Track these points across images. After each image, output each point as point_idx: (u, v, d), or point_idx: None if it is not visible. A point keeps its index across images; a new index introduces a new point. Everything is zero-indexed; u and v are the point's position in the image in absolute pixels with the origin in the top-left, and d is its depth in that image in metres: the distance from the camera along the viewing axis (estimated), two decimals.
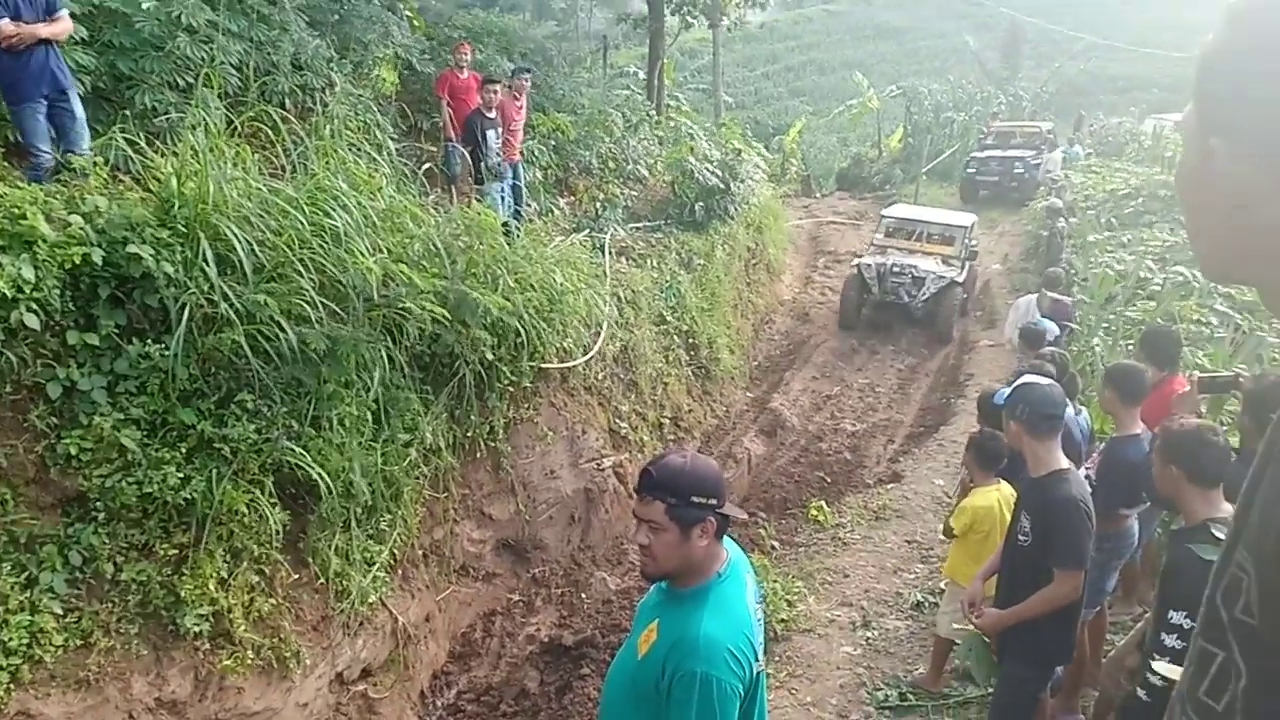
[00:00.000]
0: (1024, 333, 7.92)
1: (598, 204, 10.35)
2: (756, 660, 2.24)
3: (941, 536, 5.67)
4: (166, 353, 3.98)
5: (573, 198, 10.37)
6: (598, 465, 7.78)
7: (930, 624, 5.44)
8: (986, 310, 14.63)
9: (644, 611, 2.42)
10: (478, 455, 6.40)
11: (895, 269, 13.18)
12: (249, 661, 4.23)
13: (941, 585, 5.27)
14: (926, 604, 5.99)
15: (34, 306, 3.57)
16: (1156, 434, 3.43)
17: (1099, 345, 9.97)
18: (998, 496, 4.64)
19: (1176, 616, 2.83)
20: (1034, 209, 18.58)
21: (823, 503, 8.33)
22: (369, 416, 5.10)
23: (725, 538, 2.40)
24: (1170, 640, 2.82)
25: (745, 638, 2.20)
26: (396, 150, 6.73)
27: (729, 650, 2.13)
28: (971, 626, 4.15)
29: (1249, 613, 0.99)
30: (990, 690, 4.33)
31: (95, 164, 4.50)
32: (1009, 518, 4.56)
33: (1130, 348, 8.20)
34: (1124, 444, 4.30)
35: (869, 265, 13.42)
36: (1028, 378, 3.99)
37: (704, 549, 2.24)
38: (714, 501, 2.22)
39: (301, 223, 4.75)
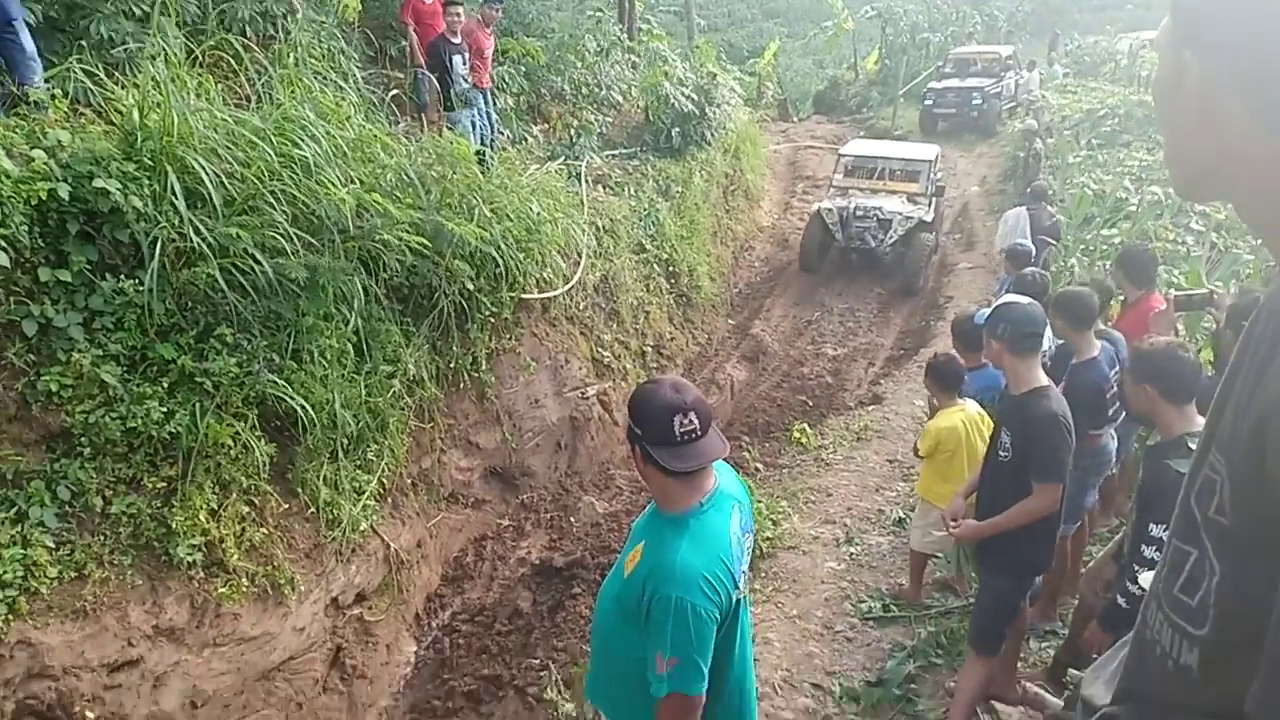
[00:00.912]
0: (1009, 252, 7.95)
1: (572, 131, 10.17)
2: (736, 588, 2.27)
3: (914, 455, 5.80)
4: (141, 288, 3.94)
5: (546, 125, 10.19)
6: (582, 394, 7.83)
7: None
8: (965, 232, 14.63)
9: (636, 531, 2.45)
10: (461, 386, 6.41)
11: (859, 212, 12.26)
12: (244, 589, 4.30)
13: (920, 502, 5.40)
14: (907, 520, 6.13)
15: (2, 244, 3.51)
16: (1130, 351, 3.48)
17: (1076, 266, 10.05)
18: (962, 417, 4.74)
19: (1156, 529, 2.92)
20: (1011, 130, 18.47)
21: (805, 425, 8.45)
22: (350, 349, 5.09)
23: (725, 468, 2.42)
24: (1149, 552, 2.92)
25: (723, 565, 2.22)
26: (363, 78, 6.56)
27: (704, 577, 2.16)
28: (948, 545, 4.29)
29: (1222, 512, 1.03)
30: (971, 599, 4.48)
31: (54, 97, 4.37)
32: (975, 437, 4.69)
33: (1108, 268, 8.27)
34: (1083, 368, 4.35)
35: (830, 209, 12.47)
36: (1009, 297, 4.03)
37: (659, 477, 2.22)
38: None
39: (270, 154, 4.66)
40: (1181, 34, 0.99)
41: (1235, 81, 0.94)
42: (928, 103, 19.75)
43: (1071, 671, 4.03)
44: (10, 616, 3.41)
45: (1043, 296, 5.02)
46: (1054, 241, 10.03)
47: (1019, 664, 4.19)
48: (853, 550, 5.86)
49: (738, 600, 2.30)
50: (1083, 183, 12.50)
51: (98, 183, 3.81)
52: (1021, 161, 14.93)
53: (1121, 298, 5.82)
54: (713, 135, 12.65)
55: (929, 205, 12.53)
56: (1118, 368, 4.52)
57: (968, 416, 4.73)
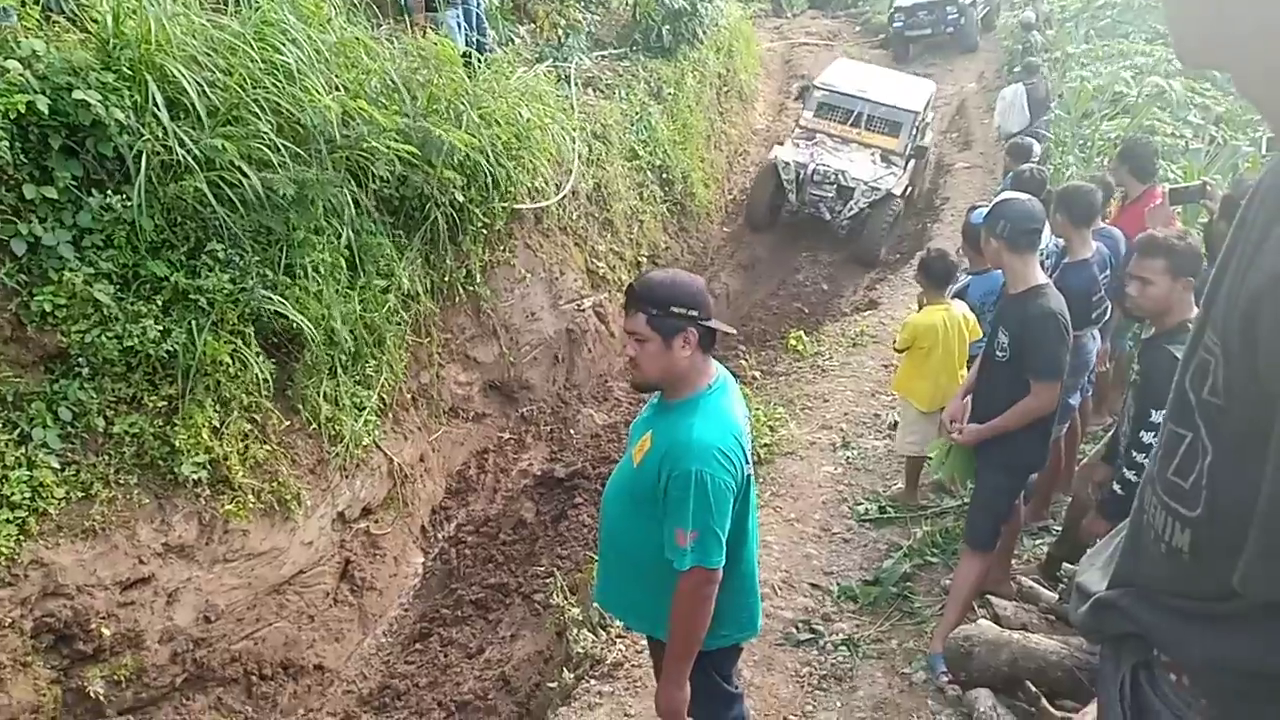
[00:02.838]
0: (1011, 147, 7.83)
1: (559, 31, 9.80)
2: (746, 463, 2.37)
3: (894, 352, 5.86)
4: (129, 203, 3.83)
5: (533, 25, 9.81)
6: (578, 306, 7.79)
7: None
8: (962, 132, 14.39)
9: (637, 427, 2.53)
10: (456, 300, 6.36)
11: (817, 175, 10.57)
12: (251, 505, 4.35)
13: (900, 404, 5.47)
14: (899, 423, 6.22)
15: None
16: (1134, 245, 3.46)
17: (1074, 162, 9.92)
18: (944, 315, 4.75)
19: (1156, 415, 2.95)
20: (1006, 24, 17.95)
21: (801, 333, 8.48)
22: (343, 263, 5.02)
23: (716, 364, 2.47)
24: (1149, 438, 2.96)
25: (734, 439, 2.32)
26: None
27: (719, 449, 2.25)
28: (928, 442, 4.35)
29: (1215, 393, 1.03)
30: (965, 499, 4.57)
31: (24, 4, 4.16)
32: (953, 337, 4.71)
33: (1107, 163, 8.15)
34: (1074, 270, 4.32)
35: (787, 164, 10.74)
36: (1007, 194, 3.97)
37: (687, 359, 2.32)
38: (694, 313, 2.29)
39: (252, 60, 4.49)
40: None
41: None
42: (897, 25, 17.41)
43: (1065, 566, 4.17)
44: (21, 537, 3.44)
45: (1040, 193, 4.96)
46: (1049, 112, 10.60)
47: (1013, 560, 4.31)
48: (849, 454, 5.95)
49: (748, 476, 2.40)
50: (1082, 76, 12.23)
51: (77, 94, 3.65)
52: (1020, 55, 14.56)
53: (1122, 193, 5.76)
54: (704, 33, 12.23)
55: (903, 169, 10.92)
56: (1108, 270, 4.51)
57: (950, 316, 4.75)
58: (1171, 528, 1.15)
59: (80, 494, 3.70)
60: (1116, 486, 3.18)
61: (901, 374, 5.13)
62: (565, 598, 4.54)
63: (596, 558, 2.96)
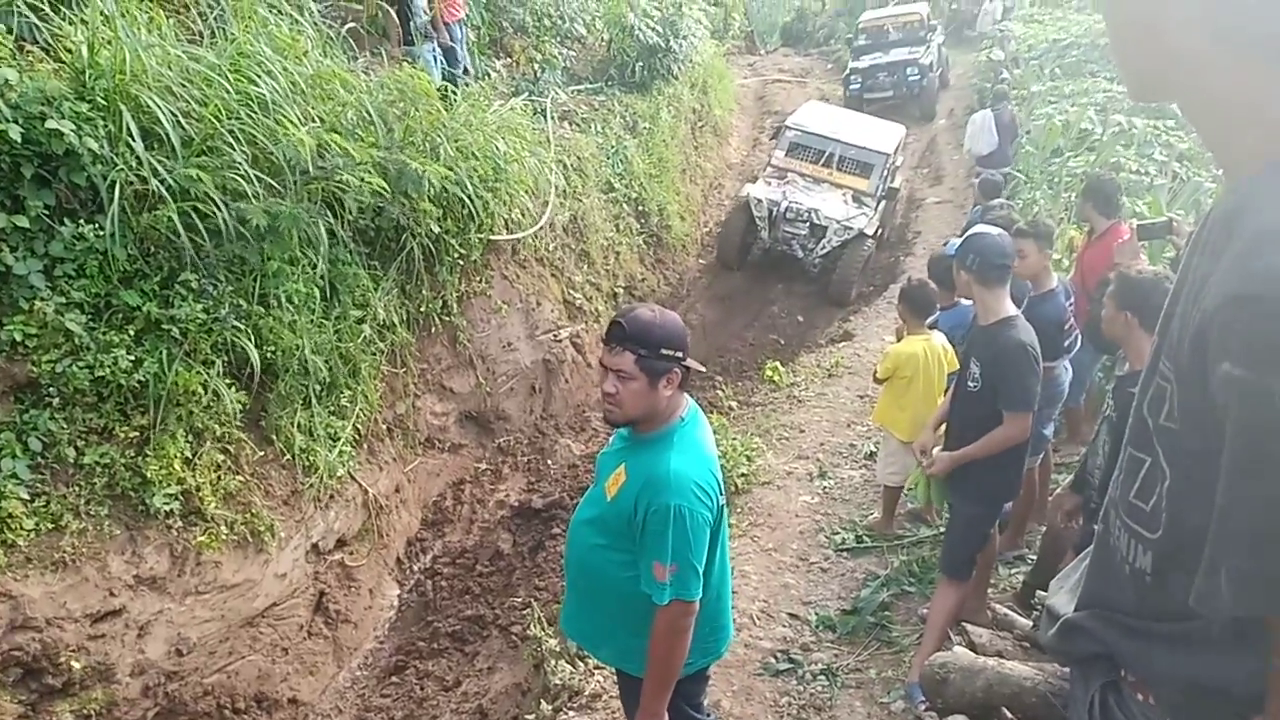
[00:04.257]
0: (982, 184, 7.99)
1: (536, 65, 9.92)
2: (720, 494, 2.40)
3: (874, 382, 5.89)
4: (102, 233, 3.82)
5: (509, 59, 9.92)
6: (555, 336, 7.79)
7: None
8: (933, 167, 14.64)
9: (607, 459, 2.53)
10: (433, 330, 6.35)
11: (790, 213, 10.55)
12: (223, 536, 4.28)
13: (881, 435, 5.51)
14: (879, 453, 6.26)
15: None
16: (1112, 279, 3.52)
17: (1041, 197, 10.12)
18: (924, 345, 4.80)
19: None
20: (976, 59, 18.38)
21: (777, 364, 8.54)
22: (318, 293, 5.00)
23: (685, 396, 2.49)
24: None
25: (710, 473, 2.35)
26: (319, 11, 6.32)
27: (696, 484, 2.27)
28: (909, 472, 4.37)
29: (1171, 419, 1.06)
30: (941, 529, 4.60)
31: None
32: (933, 367, 4.77)
33: (1074, 199, 8.33)
34: (1041, 301, 4.38)
35: (759, 201, 10.69)
36: (978, 228, 4.05)
37: (668, 398, 2.34)
38: (680, 354, 2.32)
39: (227, 91, 4.51)
40: None
41: None
42: (854, 88, 16.39)
43: (1039, 594, 4.19)
44: None
45: (1009, 229, 5.06)
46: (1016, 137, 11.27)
47: (989, 589, 4.33)
48: (826, 484, 5.98)
49: (721, 506, 2.43)
50: (1048, 113, 12.50)
51: (50, 124, 3.65)
52: (989, 92, 14.89)
53: (1088, 229, 5.88)
54: (679, 69, 12.41)
55: (874, 210, 10.91)
56: (1072, 299, 4.59)
57: (930, 346, 4.80)
58: (1135, 550, 1.17)
59: (50, 525, 3.63)
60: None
61: (882, 404, 5.15)
62: (543, 629, 4.50)
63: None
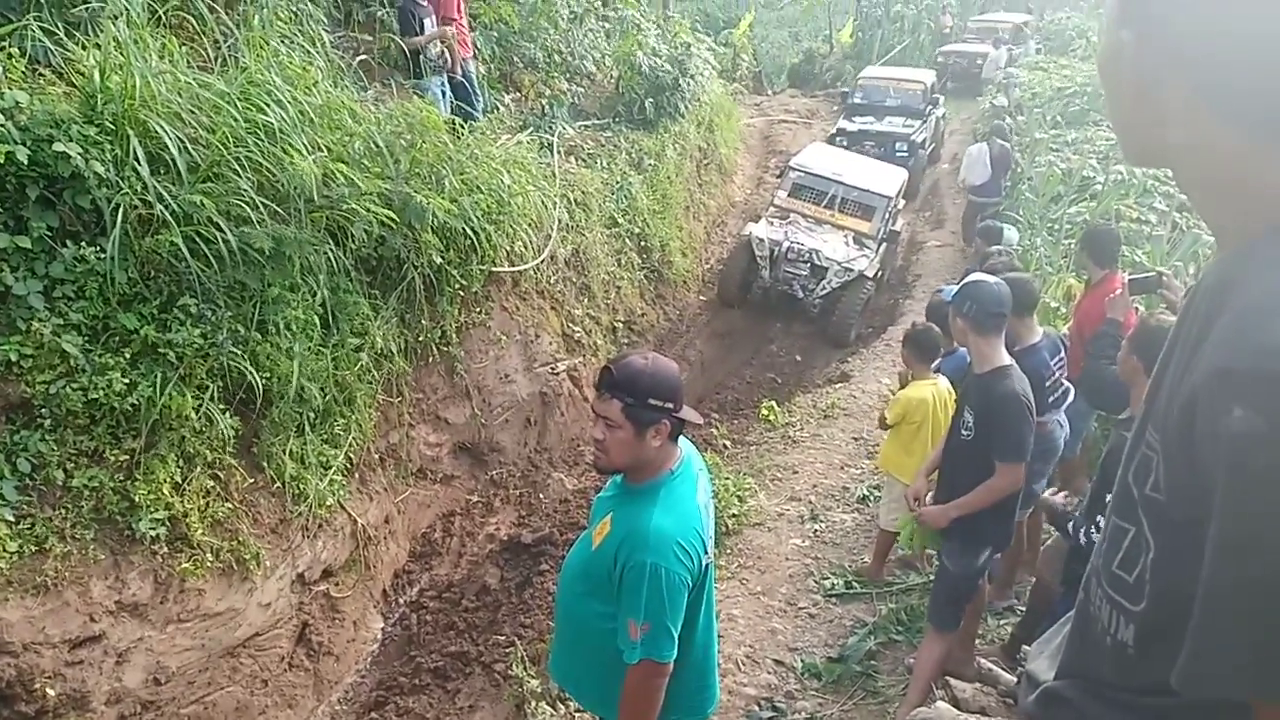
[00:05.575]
0: (981, 230, 8.04)
1: (544, 100, 10.02)
2: (705, 553, 2.34)
3: (878, 428, 5.87)
4: (103, 256, 3.84)
5: (518, 94, 10.03)
6: (552, 369, 7.80)
7: (875, 516, 5.68)
8: (935, 210, 14.73)
9: (600, 505, 2.50)
10: (430, 360, 6.36)
11: (791, 253, 10.60)
12: (209, 564, 4.26)
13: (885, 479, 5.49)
14: (871, 497, 6.23)
15: None
16: (1131, 330, 3.52)
17: (1042, 244, 10.17)
18: (932, 390, 4.78)
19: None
20: (980, 107, 18.59)
21: (773, 403, 8.53)
22: (317, 321, 5.02)
23: (681, 445, 2.46)
24: None
25: (694, 532, 2.29)
26: (331, 42, 6.41)
27: (678, 543, 2.22)
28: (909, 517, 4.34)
29: (1157, 489, 1.05)
30: (931, 577, 4.57)
31: (10, 56, 4.21)
32: (941, 413, 4.75)
33: (1073, 247, 8.37)
34: (1023, 356, 4.37)
35: (761, 240, 10.76)
36: (975, 275, 4.06)
37: (657, 449, 2.30)
38: (670, 405, 2.28)
39: (235, 119, 4.55)
40: (1122, 12, 1.02)
41: (1169, 62, 0.97)
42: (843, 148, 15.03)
43: (1025, 648, 4.15)
44: None
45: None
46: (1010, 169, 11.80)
47: (976, 641, 4.30)
48: (817, 527, 5.95)
49: (706, 565, 2.37)
50: (1050, 161, 12.61)
51: (58, 146, 3.69)
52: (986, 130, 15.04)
53: (1086, 278, 5.91)
54: (686, 107, 12.52)
55: (875, 252, 10.93)
56: (1060, 355, 4.58)
57: (938, 391, 4.78)
58: (1116, 621, 1.15)
59: (34, 548, 3.61)
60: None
61: (888, 449, 5.10)
62: (525, 669, 4.46)
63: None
